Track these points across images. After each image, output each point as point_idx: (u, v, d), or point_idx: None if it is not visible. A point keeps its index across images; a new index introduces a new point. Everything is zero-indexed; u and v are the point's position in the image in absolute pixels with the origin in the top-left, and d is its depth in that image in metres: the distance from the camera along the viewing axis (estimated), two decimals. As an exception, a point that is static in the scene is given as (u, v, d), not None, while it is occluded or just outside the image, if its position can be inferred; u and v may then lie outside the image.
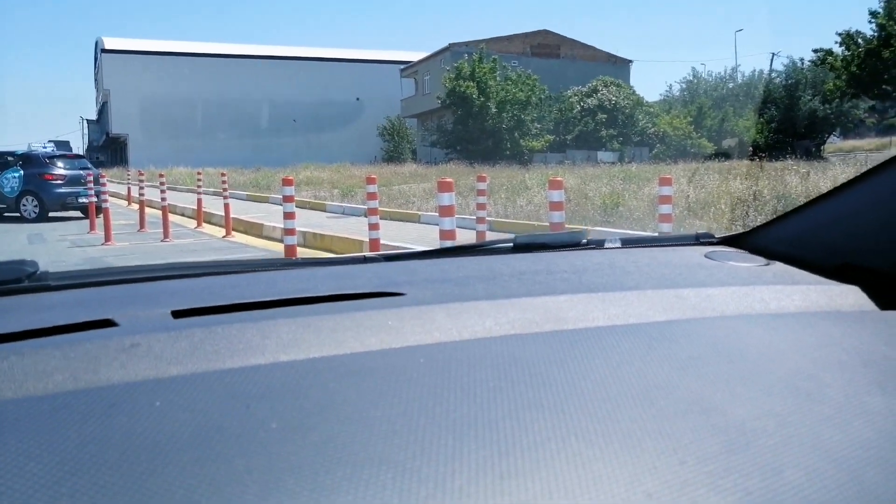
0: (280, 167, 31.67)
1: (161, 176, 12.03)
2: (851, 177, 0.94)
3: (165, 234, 10.50)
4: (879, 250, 0.86)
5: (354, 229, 10.28)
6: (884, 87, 24.48)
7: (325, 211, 14.31)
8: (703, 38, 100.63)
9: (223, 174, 12.09)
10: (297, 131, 47.26)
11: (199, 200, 12.47)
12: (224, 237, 10.70)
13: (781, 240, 1.01)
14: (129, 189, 19.05)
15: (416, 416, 0.48)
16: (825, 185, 10.30)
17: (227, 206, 10.95)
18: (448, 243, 5.14)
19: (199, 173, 13.47)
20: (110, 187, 12.86)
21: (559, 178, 5.99)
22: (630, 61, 44.86)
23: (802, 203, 1.01)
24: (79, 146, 61.64)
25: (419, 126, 45.19)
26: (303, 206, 15.64)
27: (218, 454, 0.43)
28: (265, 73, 47.94)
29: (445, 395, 0.51)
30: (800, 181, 11.97)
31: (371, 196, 6.70)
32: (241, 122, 46.55)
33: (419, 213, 12.13)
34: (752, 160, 17.29)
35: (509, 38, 41.49)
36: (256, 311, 0.71)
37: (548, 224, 9.63)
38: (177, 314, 0.71)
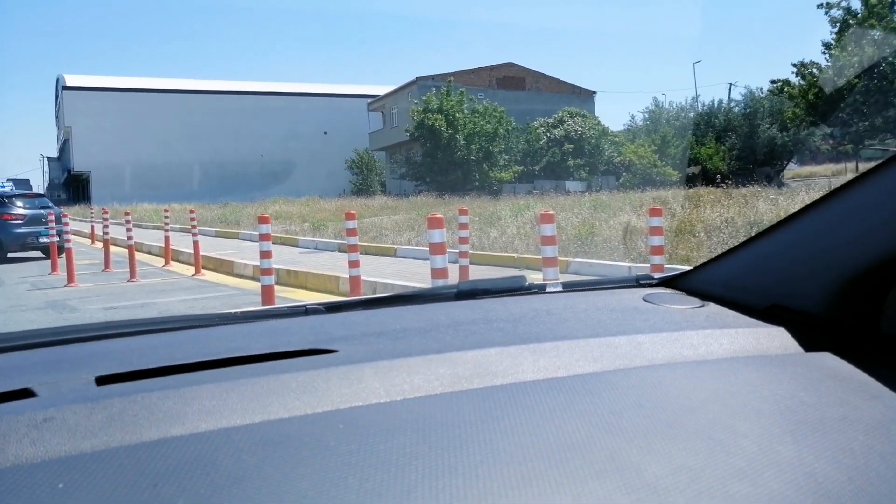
0: (248, 202, 31.39)
1: (127, 214, 11.70)
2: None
3: (132, 274, 10.16)
4: (806, 291, 0.87)
5: (330, 265, 10.08)
6: (839, 114, 25.29)
7: (297, 246, 14.08)
8: (663, 70, 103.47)
9: (192, 210, 11.81)
10: (264, 165, 46.95)
11: (167, 238, 12.14)
12: (194, 275, 10.40)
13: (716, 281, 1.02)
14: (92, 227, 18.58)
15: (327, 487, 0.48)
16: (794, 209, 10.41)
17: (196, 244, 10.67)
18: (440, 281, 4.98)
19: (166, 210, 13.15)
20: (73, 226, 12.50)
21: (550, 212, 5.81)
22: (594, 92, 45.73)
23: (738, 244, 1.02)
24: (39, 184, 60.47)
25: (388, 159, 45.27)
26: (274, 241, 15.24)
27: None
28: (231, 107, 47.70)
29: (360, 465, 0.51)
30: (770, 207, 12.14)
31: (351, 232, 6.49)
32: (207, 157, 46.09)
33: (395, 246, 11.98)
34: (718, 187, 17.60)
35: (475, 71, 42.01)
36: (184, 374, 0.69)
37: (519, 255, 9.69)
38: (101, 380, 0.68)
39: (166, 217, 12.50)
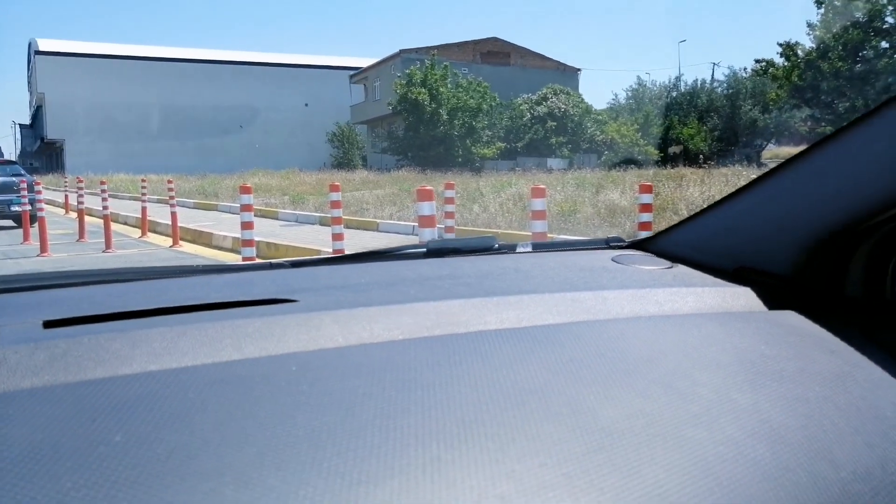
0: (227, 173, 30.93)
1: (103, 183, 11.41)
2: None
3: (107, 245, 9.94)
4: (772, 253, 0.88)
5: (311, 238, 9.94)
6: (822, 97, 25.41)
7: (277, 219, 13.88)
8: (647, 48, 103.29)
9: (170, 181, 11.55)
10: (243, 137, 46.24)
11: (144, 209, 11.89)
12: (171, 247, 10.21)
13: (685, 243, 1.03)
14: (66, 197, 18.18)
15: (273, 424, 0.48)
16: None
17: (174, 215, 10.46)
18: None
19: (143, 180, 12.86)
20: (46, 195, 12.19)
21: (542, 186, 5.68)
22: (578, 70, 45.46)
23: (706, 206, 1.02)
24: (10, 152, 58.97)
25: (369, 132, 44.79)
26: (255, 213, 15.14)
27: (46, 472, 0.42)
28: (210, 77, 46.76)
29: (310, 404, 0.51)
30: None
31: (335, 204, 6.34)
32: (185, 127, 45.25)
33: (376, 220, 11.84)
34: (701, 167, 17.65)
35: (459, 46, 41.53)
36: (136, 319, 0.68)
37: (503, 231, 9.65)
38: (49, 324, 0.67)
39: (143, 187, 12.23)
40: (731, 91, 39.38)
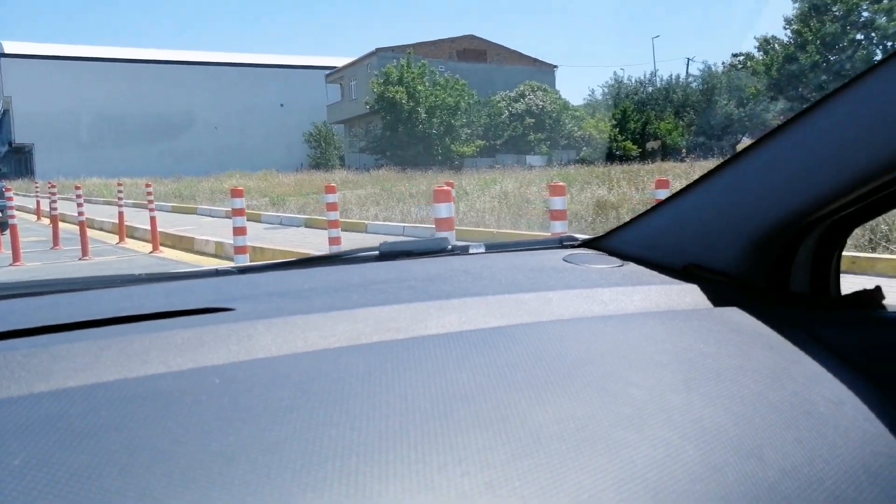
0: (202, 176, 30.44)
1: (77, 188, 11.01)
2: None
3: (84, 252, 9.55)
4: (720, 250, 0.89)
5: (298, 241, 9.65)
6: (800, 89, 25.63)
7: (260, 221, 13.52)
8: (622, 44, 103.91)
9: (148, 184, 11.16)
10: (218, 139, 45.54)
11: (121, 213, 11.49)
12: (151, 253, 9.85)
13: (636, 241, 1.03)
14: (38, 202, 17.61)
15: (185, 442, 0.47)
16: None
17: (153, 219, 10.10)
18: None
19: (119, 184, 12.43)
20: (17, 201, 11.72)
21: (561, 183, 5.31)
22: (555, 66, 45.50)
23: (658, 203, 1.02)
24: (-23, 157, 57.43)
25: (346, 132, 44.40)
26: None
27: None
28: (183, 78, 45.94)
29: (228, 419, 0.50)
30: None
31: (331, 206, 6.03)
32: (159, 130, 44.43)
33: (365, 222, 11.57)
34: (682, 161, 17.64)
35: (435, 43, 41.30)
36: (62, 333, 0.66)
37: (498, 231, 9.45)
38: None
39: (120, 191, 11.82)
40: (706, 86, 39.70)
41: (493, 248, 1.19)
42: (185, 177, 30.67)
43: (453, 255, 1.12)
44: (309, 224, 12.41)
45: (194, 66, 46.98)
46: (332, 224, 6.00)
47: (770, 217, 0.82)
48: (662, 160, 23.96)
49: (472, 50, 42.88)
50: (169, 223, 12.25)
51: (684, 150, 20.90)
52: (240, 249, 5.97)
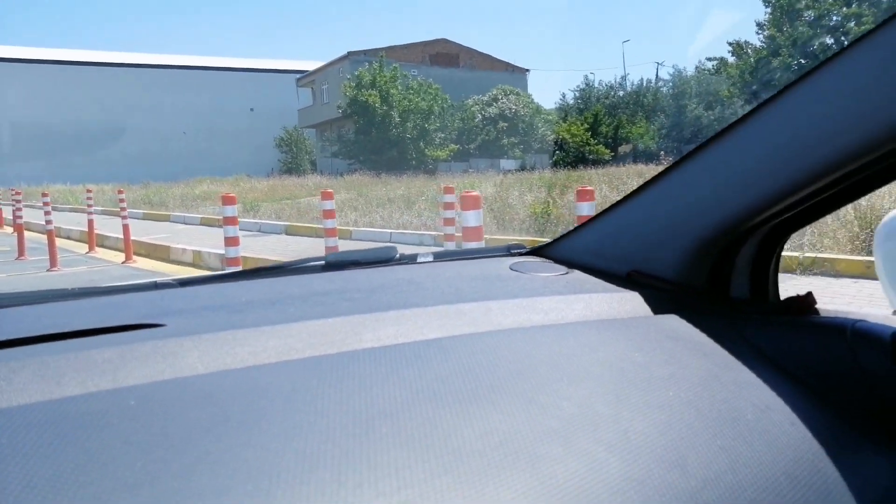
0: (171, 181, 29.76)
1: (45, 195, 10.53)
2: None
3: (52, 263, 9.11)
4: (662, 257, 0.89)
5: (280, 250, 9.34)
6: (772, 92, 25.96)
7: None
8: (593, 48, 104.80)
9: (120, 191, 10.74)
10: (187, 143, 44.66)
11: (91, 221, 11.02)
12: (124, 262, 9.44)
13: (583, 249, 1.03)
14: (-1, 210, 16.96)
15: (89, 471, 0.45)
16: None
17: (126, 227, 9.68)
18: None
19: (88, 190, 11.92)
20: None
21: (589, 188, 4.97)
22: (527, 70, 45.58)
23: (604, 210, 1.02)
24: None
25: (318, 136, 43.90)
26: (212, 222, 14.39)
27: None
28: (151, 82, 44.92)
29: (139, 442, 0.48)
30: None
31: (328, 214, 5.73)
32: (126, 134, 43.37)
33: (349, 228, 11.26)
34: (660, 164, 17.69)
35: (408, 47, 41.06)
36: None
37: (503, 237, 9.23)
38: None
39: (89, 198, 11.35)
40: (676, 90, 40.12)
41: (442, 256, 1.19)
42: (154, 183, 29.94)
43: (401, 264, 1.11)
44: (290, 231, 12.07)
45: (162, 69, 45.96)
46: (330, 232, 5.69)
47: (709, 223, 0.83)
48: (634, 163, 24.03)
49: (444, 54, 42.72)
50: (142, 231, 11.80)
51: (662, 153, 21.00)
52: (232, 261, 5.61)
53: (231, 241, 5.35)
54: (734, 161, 0.79)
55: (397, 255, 1.14)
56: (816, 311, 0.85)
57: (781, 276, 0.93)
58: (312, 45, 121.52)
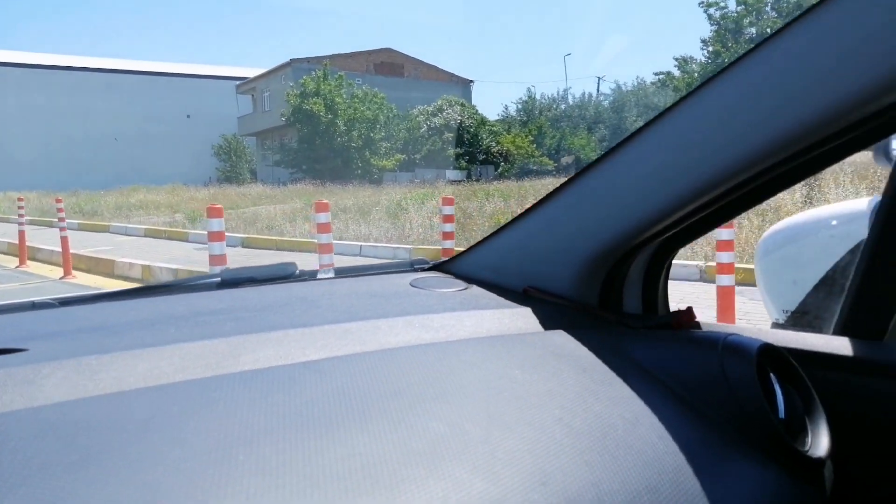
0: (101, 189, 28.37)
1: (-31, 204, 9.57)
2: None
3: (-20, 278, 8.25)
4: (556, 271, 0.91)
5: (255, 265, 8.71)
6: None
7: (187, 241, 12.34)
8: (535, 61, 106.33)
9: (58, 199, 9.86)
10: (119, 150, 42.64)
11: (22, 233, 10.11)
12: (63, 278, 8.63)
13: (484, 264, 1.03)
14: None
15: None
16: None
17: (64, 240, 8.87)
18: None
19: (20, 199, 10.95)
20: None
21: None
22: (471, 81, 45.62)
23: (503, 225, 1.03)
24: None
25: (259, 145, 42.70)
26: (157, 234, 13.52)
27: None
28: (78, 85, 42.70)
29: None
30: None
31: (323, 228, 5.19)
32: (50, 139, 41.09)
33: (315, 241, 10.65)
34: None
35: (352, 56, 40.46)
36: None
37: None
38: None
39: (20, 207, 10.41)
40: (616, 104, 41.04)
41: (343, 272, 1.16)
42: (83, 191, 28.40)
43: (300, 280, 1.07)
44: (247, 244, 11.39)
45: (90, 72, 43.75)
46: (325, 248, 5.14)
47: (599, 239, 0.85)
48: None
49: (389, 63, 42.31)
50: (79, 243, 10.89)
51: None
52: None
53: (217, 260, 4.69)
54: (623, 178, 0.82)
55: (297, 272, 1.10)
56: (698, 325, 0.88)
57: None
58: (253, 51, 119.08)
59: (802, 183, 10.80)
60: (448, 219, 5.92)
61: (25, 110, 40.79)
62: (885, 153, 1.65)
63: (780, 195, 10.49)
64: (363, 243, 10.05)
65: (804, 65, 0.66)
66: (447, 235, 5.76)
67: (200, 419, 0.53)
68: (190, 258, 9.46)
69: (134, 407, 0.55)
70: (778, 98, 0.68)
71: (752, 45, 0.72)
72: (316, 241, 10.24)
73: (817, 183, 10.29)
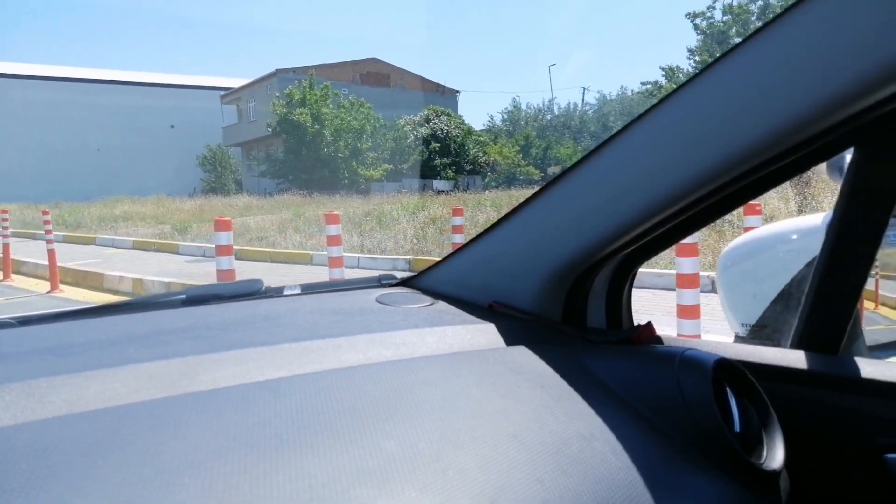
0: (84, 201, 27.95)
1: (-48, 216, 9.32)
2: None
3: (-36, 293, 8.00)
4: (521, 287, 0.91)
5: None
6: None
7: (178, 253, 12.10)
8: (521, 71, 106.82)
9: (45, 211, 9.62)
10: (101, 161, 42.15)
11: (7, 246, 9.85)
12: (49, 292, 8.40)
13: (450, 279, 1.03)
14: None
15: None
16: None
17: (51, 252, 8.64)
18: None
19: (4, 210, 10.70)
20: None
21: None
22: (457, 91, 45.69)
23: (469, 240, 1.02)
24: None
25: (244, 155, 42.40)
26: (146, 246, 13.26)
27: None
28: (60, 96, 42.17)
29: None
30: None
31: (333, 240, 5.01)
32: (31, 150, 40.53)
33: (309, 252, 10.47)
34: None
35: (338, 66, 40.36)
36: None
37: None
38: None
39: (4, 219, 10.16)
40: (601, 113, 41.27)
41: (310, 288, 1.15)
42: (65, 202, 27.96)
43: (267, 297, 1.06)
44: (241, 256, 11.18)
45: (72, 82, 43.28)
46: (335, 262, 4.97)
47: (561, 254, 0.86)
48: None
49: (375, 73, 42.27)
50: (66, 256, 10.63)
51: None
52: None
53: (226, 276, 4.48)
54: (586, 193, 0.82)
55: (262, 288, 1.09)
56: (659, 340, 0.89)
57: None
58: (238, 61, 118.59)
59: (795, 192, 10.80)
60: (457, 229, 5.79)
61: (4, 120, 40.20)
62: (839, 169, 1.65)
63: (775, 204, 10.48)
64: (361, 255, 9.89)
65: (755, 83, 0.67)
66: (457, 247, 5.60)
67: (149, 442, 0.52)
68: (182, 271, 9.25)
69: (82, 430, 0.53)
70: (735, 113, 0.69)
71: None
72: (312, 252, 10.10)
73: (811, 192, 10.31)
